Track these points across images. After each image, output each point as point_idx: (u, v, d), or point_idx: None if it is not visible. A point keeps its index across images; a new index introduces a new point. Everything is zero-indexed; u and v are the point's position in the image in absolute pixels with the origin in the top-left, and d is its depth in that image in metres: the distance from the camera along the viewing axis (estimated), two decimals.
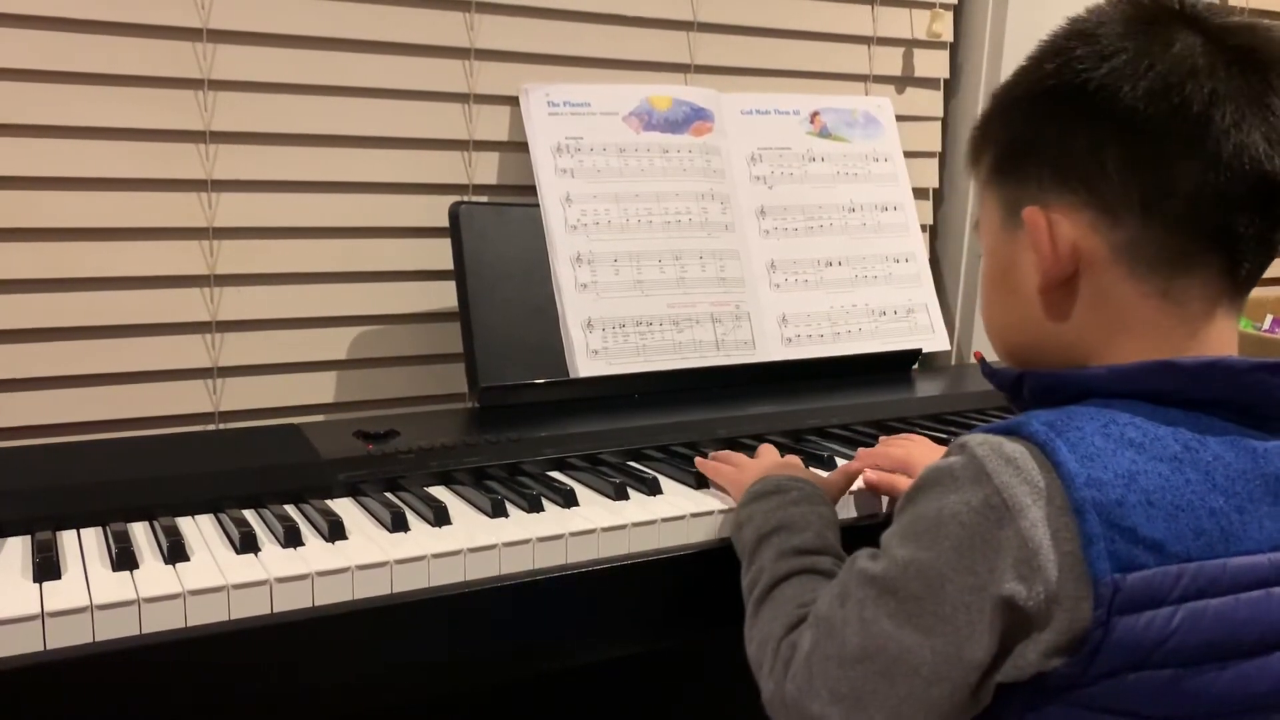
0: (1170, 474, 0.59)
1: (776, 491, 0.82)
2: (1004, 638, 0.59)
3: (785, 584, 0.73)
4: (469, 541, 0.83)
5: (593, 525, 0.87)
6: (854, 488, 0.95)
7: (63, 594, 0.72)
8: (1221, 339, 0.65)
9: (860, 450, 1.04)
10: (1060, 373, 0.66)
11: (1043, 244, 0.65)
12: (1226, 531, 0.59)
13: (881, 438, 1.08)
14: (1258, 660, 0.60)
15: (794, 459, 0.98)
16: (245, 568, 0.77)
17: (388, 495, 0.94)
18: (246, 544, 0.81)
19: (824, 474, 0.95)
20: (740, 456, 0.98)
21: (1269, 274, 2.21)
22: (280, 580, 0.76)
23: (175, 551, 0.79)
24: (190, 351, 1.28)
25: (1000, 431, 0.61)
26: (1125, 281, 0.64)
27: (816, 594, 0.69)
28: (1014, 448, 0.59)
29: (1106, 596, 0.56)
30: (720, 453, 1.00)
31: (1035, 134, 0.66)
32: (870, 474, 0.96)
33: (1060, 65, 0.65)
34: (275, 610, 0.76)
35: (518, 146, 1.40)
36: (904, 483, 0.94)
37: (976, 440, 0.61)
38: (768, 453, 1.00)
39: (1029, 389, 0.68)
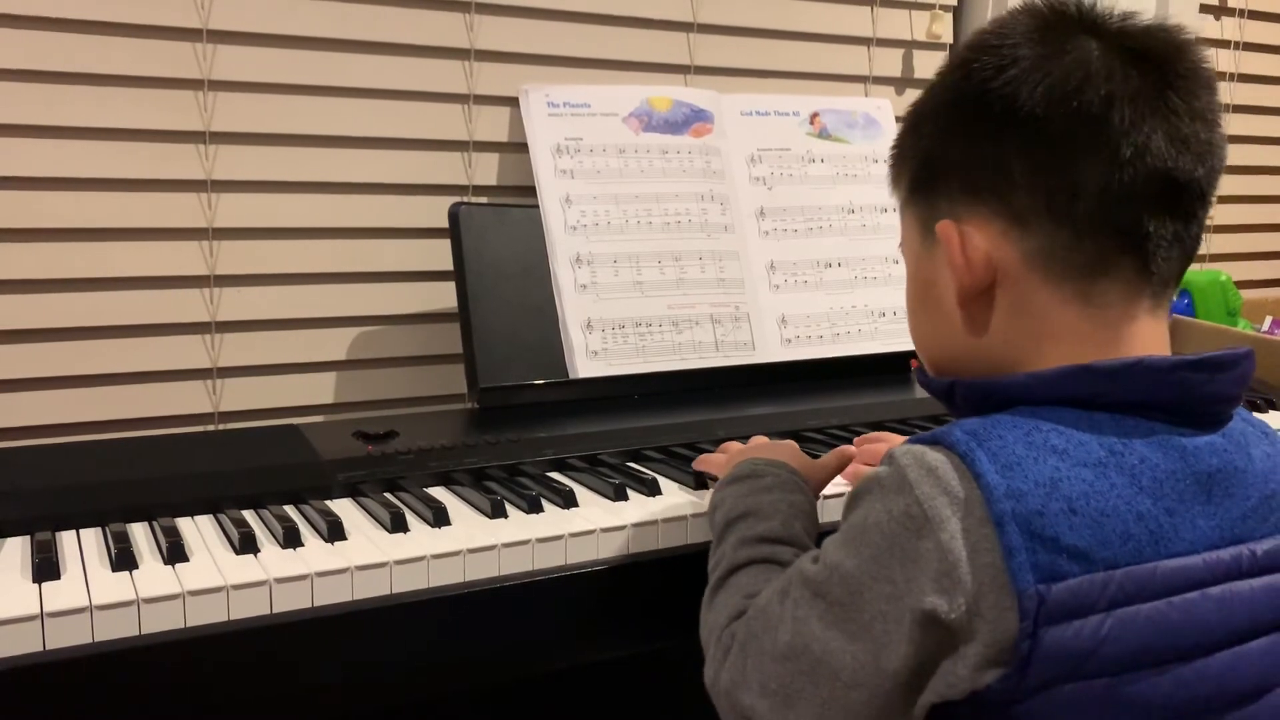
0: (1094, 479, 0.58)
1: (750, 476, 0.82)
2: (929, 654, 0.58)
3: (740, 572, 0.73)
4: (468, 542, 0.83)
5: (592, 526, 0.87)
6: (839, 487, 0.95)
7: (62, 594, 0.72)
8: (1146, 340, 0.65)
9: (859, 444, 1.04)
10: (989, 380, 0.65)
11: (955, 256, 0.65)
12: (1156, 534, 0.59)
13: (873, 434, 1.08)
14: (1196, 663, 0.60)
15: (789, 443, 0.97)
16: (245, 568, 0.77)
17: (387, 496, 0.94)
18: (246, 544, 0.81)
19: (815, 459, 0.94)
20: (735, 445, 0.98)
21: (1268, 275, 2.20)
22: (280, 581, 0.76)
23: (175, 552, 0.79)
24: (190, 352, 1.28)
25: (925, 441, 0.61)
26: (1042, 289, 0.64)
27: (767, 584, 0.69)
28: (935, 457, 0.59)
29: (1031, 609, 0.55)
30: (720, 446, 1.00)
31: (943, 148, 0.67)
32: (845, 474, 0.96)
33: (961, 78, 0.66)
34: (275, 611, 0.76)
35: (517, 147, 1.40)
36: None
37: (902, 450, 0.61)
38: (757, 442, 1.00)
39: (960, 397, 0.67)
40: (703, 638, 0.72)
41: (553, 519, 0.89)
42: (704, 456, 0.99)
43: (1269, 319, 1.82)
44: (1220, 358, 0.62)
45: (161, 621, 0.72)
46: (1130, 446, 0.60)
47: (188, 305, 1.27)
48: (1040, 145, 0.62)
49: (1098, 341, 0.64)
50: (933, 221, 0.67)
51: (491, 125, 1.40)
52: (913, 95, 1.67)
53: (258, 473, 0.95)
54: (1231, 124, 1.99)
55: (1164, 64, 0.63)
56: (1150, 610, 0.58)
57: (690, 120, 1.40)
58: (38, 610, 0.70)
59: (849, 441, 1.11)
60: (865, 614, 0.59)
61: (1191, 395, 0.62)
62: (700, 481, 0.98)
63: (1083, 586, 0.57)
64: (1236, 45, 2.03)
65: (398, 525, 0.86)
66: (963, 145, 0.66)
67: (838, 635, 0.60)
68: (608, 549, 0.88)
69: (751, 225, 1.41)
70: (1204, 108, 0.63)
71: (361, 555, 0.80)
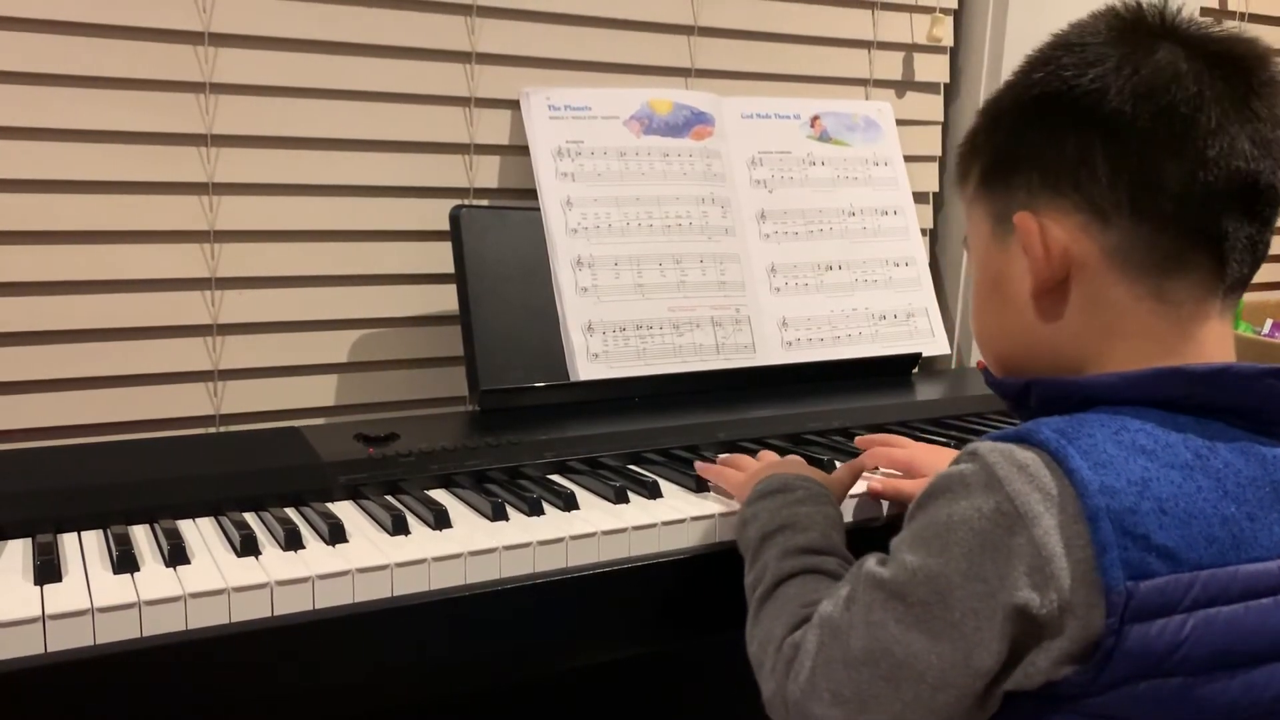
0: (1182, 481, 0.59)
1: (782, 490, 0.82)
2: (1015, 646, 0.58)
3: (788, 583, 0.73)
4: (469, 544, 0.83)
5: (593, 528, 0.87)
6: (856, 491, 0.95)
7: (64, 596, 0.72)
8: (1216, 342, 0.65)
9: (862, 444, 1.04)
10: (1068, 380, 0.66)
11: (1035, 247, 0.66)
12: (1238, 539, 0.59)
13: (878, 436, 1.08)
14: (1266, 668, 0.60)
15: (796, 458, 0.97)
16: (246, 570, 0.77)
17: (388, 498, 0.94)
18: (247, 547, 0.81)
19: (828, 474, 0.94)
20: (744, 458, 0.98)
21: (1268, 278, 2.20)
22: (281, 583, 0.76)
23: (176, 554, 0.79)
24: (191, 354, 1.28)
25: (1011, 439, 0.61)
26: (1118, 285, 0.65)
27: (820, 594, 0.68)
28: (1026, 455, 0.59)
29: (1119, 605, 0.56)
30: (723, 456, 1.00)
31: (1023, 142, 0.68)
32: (874, 481, 0.96)
33: (1047, 74, 0.66)
34: (276, 613, 0.76)
35: (518, 150, 1.40)
36: (908, 485, 0.93)
37: (987, 447, 0.61)
38: (768, 457, 1.00)
39: (1036, 397, 0.68)
40: (753, 653, 0.72)
41: (554, 521, 0.89)
42: (709, 466, 0.98)
43: (1269, 322, 1.82)
44: None
45: (163, 624, 0.72)
46: (1215, 450, 0.61)
47: (189, 307, 1.27)
48: (1126, 141, 0.63)
49: (1169, 341, 0.64)
50: (1008, 213, 0.68)
51: (492, 128, 1.40)
52: (913, 98, 1.69)
53: (259, 475, 0.95)
54: None
55: (1248, 71, 0.64)
56: (1229, 613, 0.59)
57: (691, 123, 1.40)
58: (39, 612, 0.70)
59: (851, 444, 1.11)
60: (955, 613, 0.59)
61: (1274, 403, 0.63)
62: (701, 484, 0.98)
63: (1169, 586, 0.57)
64: None
65: (399, 527, 0.86)
66: (1045, 140, 0.66)
67: (920, 636, 0.60)
68: (609, 552, 0.88)
69: (752, 228, 1.41)
70: None
71: (363, 557, 0.80)
